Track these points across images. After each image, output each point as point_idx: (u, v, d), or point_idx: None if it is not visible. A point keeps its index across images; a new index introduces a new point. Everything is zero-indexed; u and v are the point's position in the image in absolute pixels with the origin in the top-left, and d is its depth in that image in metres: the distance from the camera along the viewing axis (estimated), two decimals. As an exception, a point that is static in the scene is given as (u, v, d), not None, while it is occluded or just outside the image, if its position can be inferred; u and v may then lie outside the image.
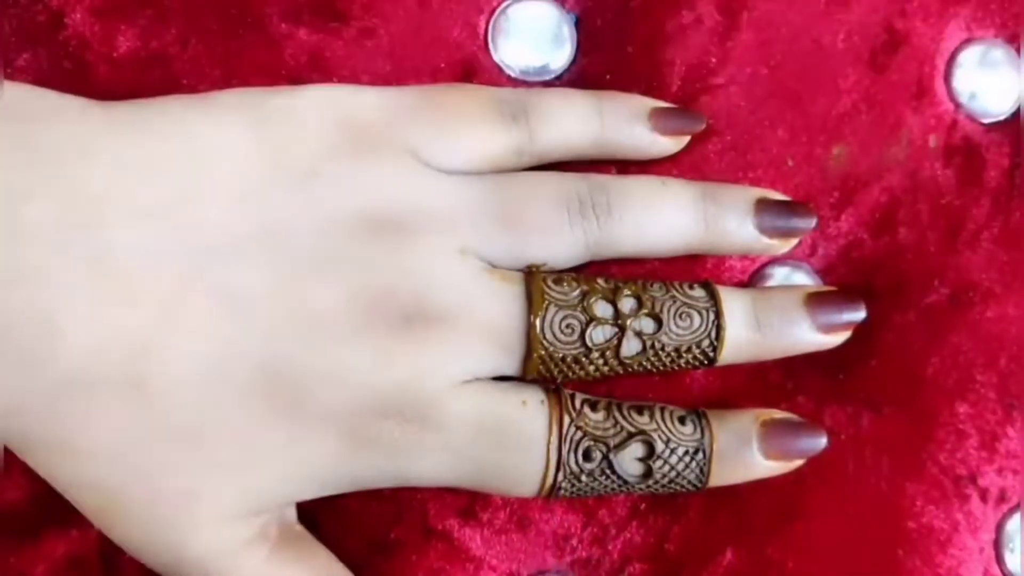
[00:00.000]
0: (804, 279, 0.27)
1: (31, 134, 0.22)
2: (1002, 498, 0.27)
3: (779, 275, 0.27)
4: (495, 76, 0.27)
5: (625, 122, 0.25)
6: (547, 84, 0.27)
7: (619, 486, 0.24)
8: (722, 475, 0.24)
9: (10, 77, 0.25)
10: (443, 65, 0.26)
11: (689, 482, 0.24)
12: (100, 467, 0.22)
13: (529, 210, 0.24)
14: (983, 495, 0.27)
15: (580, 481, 0.24)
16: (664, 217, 0.25)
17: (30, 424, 0.22)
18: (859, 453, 0.26)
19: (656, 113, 0.25)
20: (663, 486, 0.24)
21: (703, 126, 0.26)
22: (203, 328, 0.22)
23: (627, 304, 0.24)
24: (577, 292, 0.24)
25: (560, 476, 0.23)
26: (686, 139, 0.26)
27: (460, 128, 0.24)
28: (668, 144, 0.25)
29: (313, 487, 0.23)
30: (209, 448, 0.22)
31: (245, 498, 0.23)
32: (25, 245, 0.21)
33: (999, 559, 0.27)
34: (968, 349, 0.27)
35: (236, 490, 0.22)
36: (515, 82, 0.27)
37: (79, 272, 0.21)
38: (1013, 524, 0.27)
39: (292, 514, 0.25)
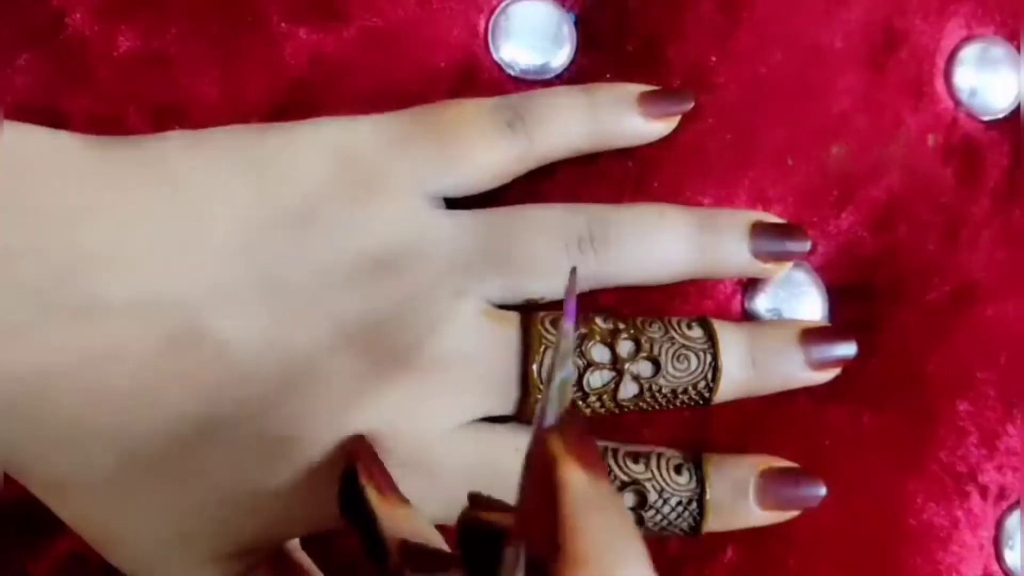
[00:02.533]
0: (803, 277, 0.27)
1: (23, 189, 0.21)
2: (1002, 495, 0.27)
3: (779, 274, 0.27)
4: (495, 75, 0.27)
5: (617, 113, 0.25)
6: (547, 83, 0.27)
7: None
8: (716, 524, 0.24)
9: (10, 77, 0.25)
10: (443, 64, 0.26)
11: (681, 530, 0.24)
12: (93, 507, 0.22)
13: (528, 248, 0.24)
14: (983, 492, 0.27)
15: None
16: (662, 248, 0.24)
17: (25, 464, 0.22)
18: (860, 451, 0.26)
19: (645, 99, 0.25)
20: (654, 533, 0.24)
21: (692, 104, 0.26)
22: (193, 381, 0.22)
23: (625, 347, 0.24)
24: (575, 336, 0.23)
25: None
26: (678, 119, 0.26)
27: (460, 148, 0.24)
28: (661, 127, 0.25)
29: (305, 527, 0.23)
30: (202, 494, 0.22)
31: (239, 540, 0.23)
32: (16, 304, 0.21)
33: (999, 556, 0.27)
34: (968, 347, 0.27)
35: (230, 534, 0.22)
36: (515, 81, 0.27)
37: (69, 328, 0.21)
38: (1013, 521, 0.27)
39: (294, 541, 0.25)
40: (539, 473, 0.16)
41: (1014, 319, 0.27)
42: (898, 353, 0.27)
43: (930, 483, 0.27)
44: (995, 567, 0.27)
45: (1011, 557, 0.27)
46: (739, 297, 0.27)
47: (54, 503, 0.23)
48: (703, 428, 0.26)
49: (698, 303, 0.26)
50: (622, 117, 0.25)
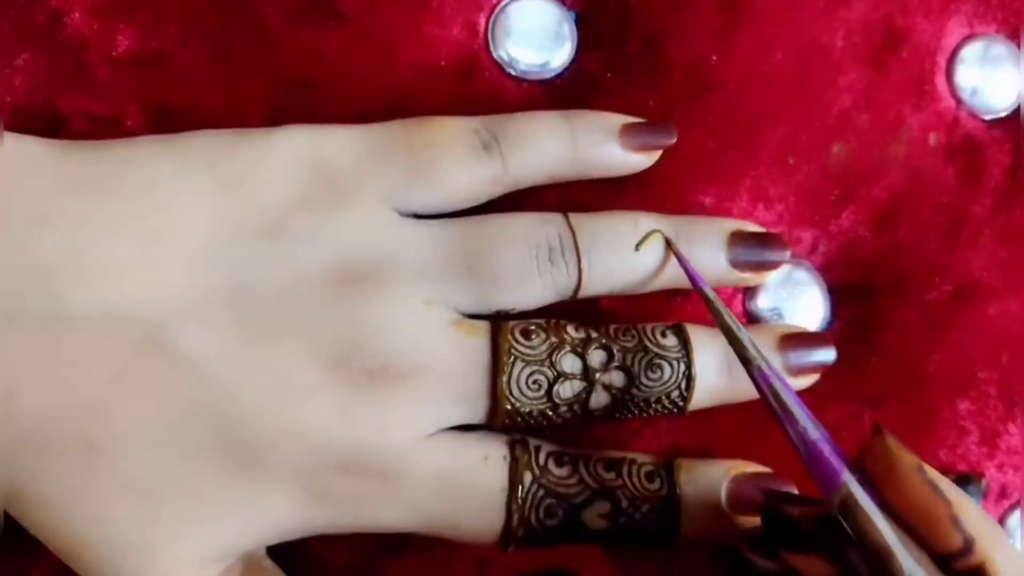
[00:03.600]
0: (804, 276, 0.27)
1: None
2: (1003, 494, 0.27)
3: (779, 274, 0.26)
4: (495, 74, 0.26)
5: (597, 142, 0.25)
6: (547, 82, 0.27)
7: (581, 539, 0.24)
8: (688, 529, 0.24)
9: (9, 77, 0.25)
10: (443, 63, 0.26)
11: (653, 539, 0.24)
12: (56, 517, 0.22)
13: (497, 259, 0.23)
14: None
15: (540, 536, 0.23)
16: (636, 259, 0.24)
17: None
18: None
19: (626, 130, 0.25)
20: (627, 540, 0.24)
21: (674, 140, 0.25)
22: (158, 391, 0.22)
23: (596, 357, 0.23)
24: (545, 346, 0.23)
25: (521, 531, 0.23)
26: (659, 153, 0.25)
27: (432, 167, 0.24)
28: (641, 160, 0.25)
29: (272, 536, 0.23)
30: (166, 504, 0.22)
31: (205, 548, 0.23)
32: None
33: (1000, 555, 0.27)
34: (969, 346, 0.27)
35: (195, 542, 0.22)
36: (515, 80, 0.27)
37: (32, 339, 0.21)
38: (1014, 520, 0.27)
39: (260, 549, 0.25)
40: (906, 478, 0.19)
41: (1015, 318, 0.27)
42: (899, 352, 0.27)
43: (931, 482, 0.27)
44: (996, 566, 0.27)
45: (1012, 556, 0.27)
46: (740, 297, 0.27)
47: (19, 516, 0.23)
48: (704, 429, 0.26)
49: (699, 302, 0.26)
50: (601, 147, 0.25)
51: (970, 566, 0.19)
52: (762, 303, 0.27)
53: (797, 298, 0.27)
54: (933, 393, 0.27)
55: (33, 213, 0.22)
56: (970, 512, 0.19)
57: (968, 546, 0.18)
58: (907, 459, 0.19)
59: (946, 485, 0.19)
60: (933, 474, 0.19)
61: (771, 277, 0.26)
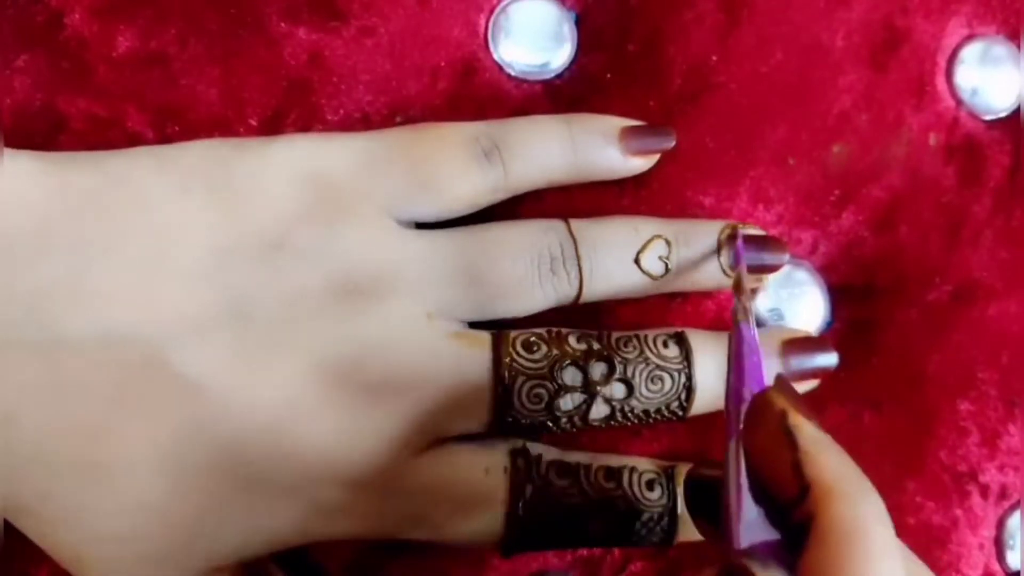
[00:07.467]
0: (804, 277, 0.27)
1: None
2: (1003, 495, 0.27)
3: (779, 274, 0.26)
4: (495, 75, 0.26)
5: (597, 146, 0.25)
6: (547, 82, 0.27)
7: (582, 547, 0.24)
8: (688, 534, 0.24)
9: (9, 78, 0.25)
10: (443, 64, 0.26)
11: (652, 543, 0.24)
12: (61, 533, 0.22)
13: (499, 270, 0.23)
14: (984, 492, 0.27)
15: (541, 545, 0.24)
16: (634, 265, 0.24)
17: None
18: (860, 451, 0.26)
19: (626, 133, 0.25)
20: (627, 547, 0.24)
21: (673, 143, 0.25)
22: (158, 412, 0.22)
23: (597, 370, 0.23)
24: (546, 360, 0.23)
25: (522, 541, 0.23)
26: (657, 156, 0.25)
27: (434, 177, 0.23)
28: (640, 163, 0.25)
29: (271, 547, 0.23)
30: (168, 520, 0.22)
31: (206, 559, 0.23)
32: None
33: (1000, 556, 0.27)
34: (970, 346, 0.27)
35: (196, 556, 0.22)
36: (515, 80, 0.27)
37: (32, 365, 0.21)
38: (1014, 521, 0.27)
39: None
40: (766, 425, 0.17)
41: (1016, 318, 0.27)
42: (899, 353, 0.27)
43: (929, 482, 0.27)
44: (996, 567, 0.27)
45: (1012, 557, 0.27)
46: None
47: (25, 529, 0.23)
48: (704, 429, 0.26)
49: (698, 303, 0.26)
50: (601, 151, 0.25)
51: (802, 516, 0.16)
52: (762, 304, 0.27)
53: (797, 299, 0.27)
54: (933, 394, 0.27)
55: (29, 238, 0.21)
56: (824, 460, 0.17)
57: (803, 495, 0.16)
58: (777, 407, 0.18)
59: (805, 434, 0.17)
60: (796, 421, 0.17)
61: (771, 278, 0.26)
